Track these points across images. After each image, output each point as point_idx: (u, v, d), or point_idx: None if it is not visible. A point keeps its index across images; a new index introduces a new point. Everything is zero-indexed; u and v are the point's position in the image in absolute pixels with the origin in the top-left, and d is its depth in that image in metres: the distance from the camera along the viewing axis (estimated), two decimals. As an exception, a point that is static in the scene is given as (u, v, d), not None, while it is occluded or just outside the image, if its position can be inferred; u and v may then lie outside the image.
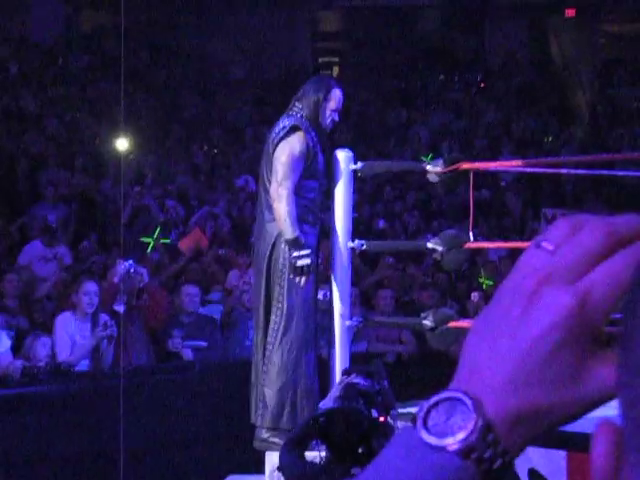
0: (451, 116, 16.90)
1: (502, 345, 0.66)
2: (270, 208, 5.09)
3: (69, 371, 6.62)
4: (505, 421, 0.66)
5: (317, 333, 5.27)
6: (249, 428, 5.10)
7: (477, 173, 5.46)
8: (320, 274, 5.43)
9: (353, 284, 5.68)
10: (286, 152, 5.08)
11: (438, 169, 5.20)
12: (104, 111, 13.59)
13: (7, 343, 6.69)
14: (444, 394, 0.67)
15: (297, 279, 5.01)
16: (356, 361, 5.19)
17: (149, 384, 6.38)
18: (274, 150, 5.11)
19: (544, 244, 0.67)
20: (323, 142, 5.30)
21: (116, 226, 10.41)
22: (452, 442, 0.65)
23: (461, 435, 0.65)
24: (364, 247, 5.30)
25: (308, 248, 5.01)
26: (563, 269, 0.66)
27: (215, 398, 6.27)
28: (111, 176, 11.66)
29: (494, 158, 12.29)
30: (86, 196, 11.06)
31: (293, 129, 5.12)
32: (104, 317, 7.07)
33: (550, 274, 0.66)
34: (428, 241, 5.26)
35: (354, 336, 6.81)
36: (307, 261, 4.98)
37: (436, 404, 0.67)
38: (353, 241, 5.22)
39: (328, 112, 5.25)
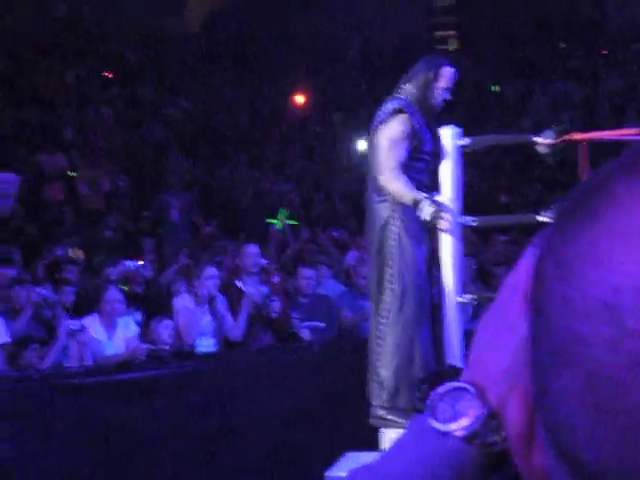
0: (573, 85, 16.51)
1: (501, 338, 0.69)
2: (378, 190, 5.08)
3: (192, 353, 6.83)
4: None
5: (433, 309, 5.22)
6: (365, 405, 5.15)
7: (598, 144, 5.34)
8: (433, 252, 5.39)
9: (469, 260, 5.63)
10: (386, 136, 5.04)
11: (549, 141, 5.12)
12: (219, 97, 13.84)
13: (135, 329, 6.92)
14: (453, 383, 0.71)
15: (441, 229, 4.98)
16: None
17: (269, 364, 6.52)
18: (375, 134, 5.11)
19: None
20: (431, 122, 5.22)
21: (235, 211, 10.61)
22: (457, 428, 0.69)
23: (465, 422, 0.69)
24: (475, 223, 5.26)
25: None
26: None
27: (332, 376, 6.36)
28: (229, 162, 11.88)
29: (618, 127, 11.94)
30: (206, 183, 11.32)
31: (395, 112, 5.08)
32: (222, 300, 7.26)
33: None
34: (539, 215, 5.18)
35: (474, 313, 6.76)
36: (430, 209, 4.93)
37: (445, 393, 0.71)
38: (463, 217, 5.18)
39: (438, 91, 5.14)
